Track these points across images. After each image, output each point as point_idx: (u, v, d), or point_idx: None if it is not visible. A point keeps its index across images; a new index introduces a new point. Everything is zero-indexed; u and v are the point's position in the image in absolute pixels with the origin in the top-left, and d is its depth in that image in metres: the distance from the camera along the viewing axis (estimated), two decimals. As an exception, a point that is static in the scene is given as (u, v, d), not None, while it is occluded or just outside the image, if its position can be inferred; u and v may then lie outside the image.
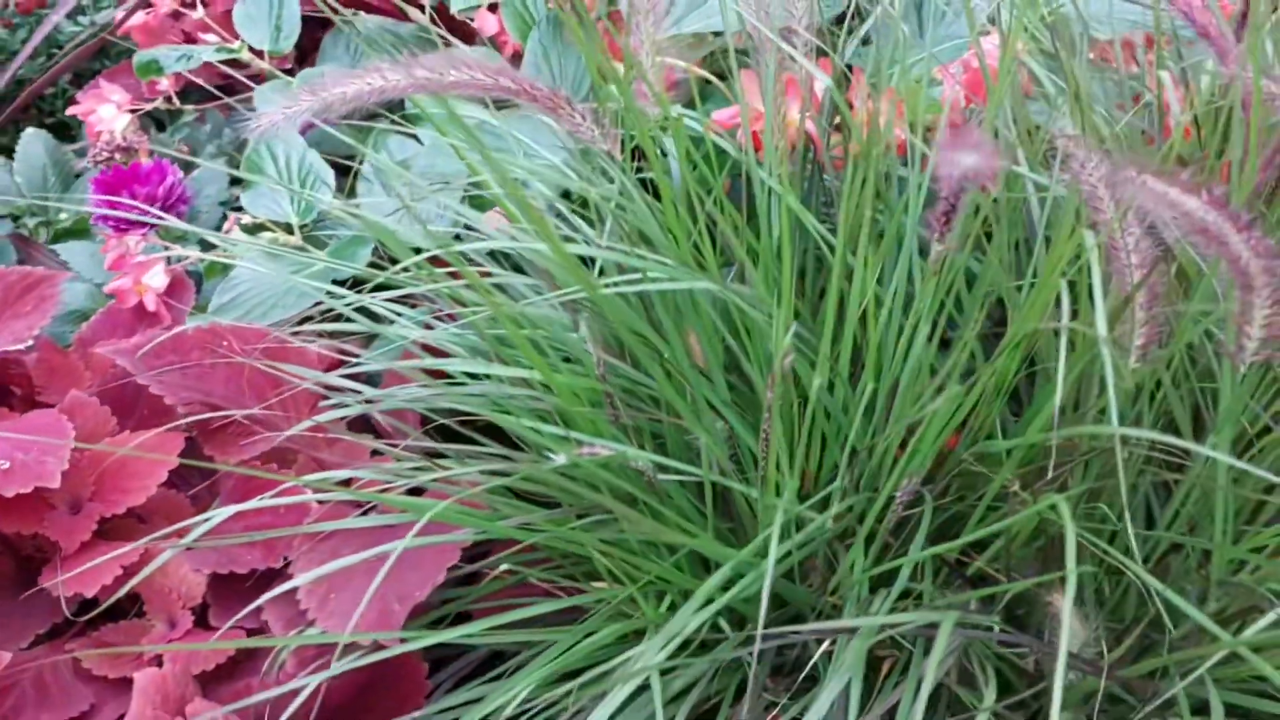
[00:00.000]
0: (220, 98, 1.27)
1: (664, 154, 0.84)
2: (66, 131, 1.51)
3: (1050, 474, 0.65)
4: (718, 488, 0.71)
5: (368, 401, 0.79)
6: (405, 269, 0.74)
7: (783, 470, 0.69)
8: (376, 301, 0.82)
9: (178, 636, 0.74)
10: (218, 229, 1.12)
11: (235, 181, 1.22)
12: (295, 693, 0.64)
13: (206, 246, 1.18)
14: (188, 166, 1.35)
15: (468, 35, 1.30)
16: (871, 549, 0.73)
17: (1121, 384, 0.59)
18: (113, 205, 0.94)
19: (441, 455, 0.79)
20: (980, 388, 0.69)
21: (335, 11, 1.32)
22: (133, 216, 0.93)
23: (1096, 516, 0.73)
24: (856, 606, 0.67)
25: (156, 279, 0.93)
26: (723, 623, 0.72)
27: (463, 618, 0.75)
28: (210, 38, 1.22)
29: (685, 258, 0.71)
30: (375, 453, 0.84)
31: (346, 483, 0.73)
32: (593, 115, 0.63)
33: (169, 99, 1.23)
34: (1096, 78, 0.90)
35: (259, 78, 1.23)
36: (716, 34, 1.07)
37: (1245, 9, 0.79)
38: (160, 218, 0.89)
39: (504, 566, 0.69)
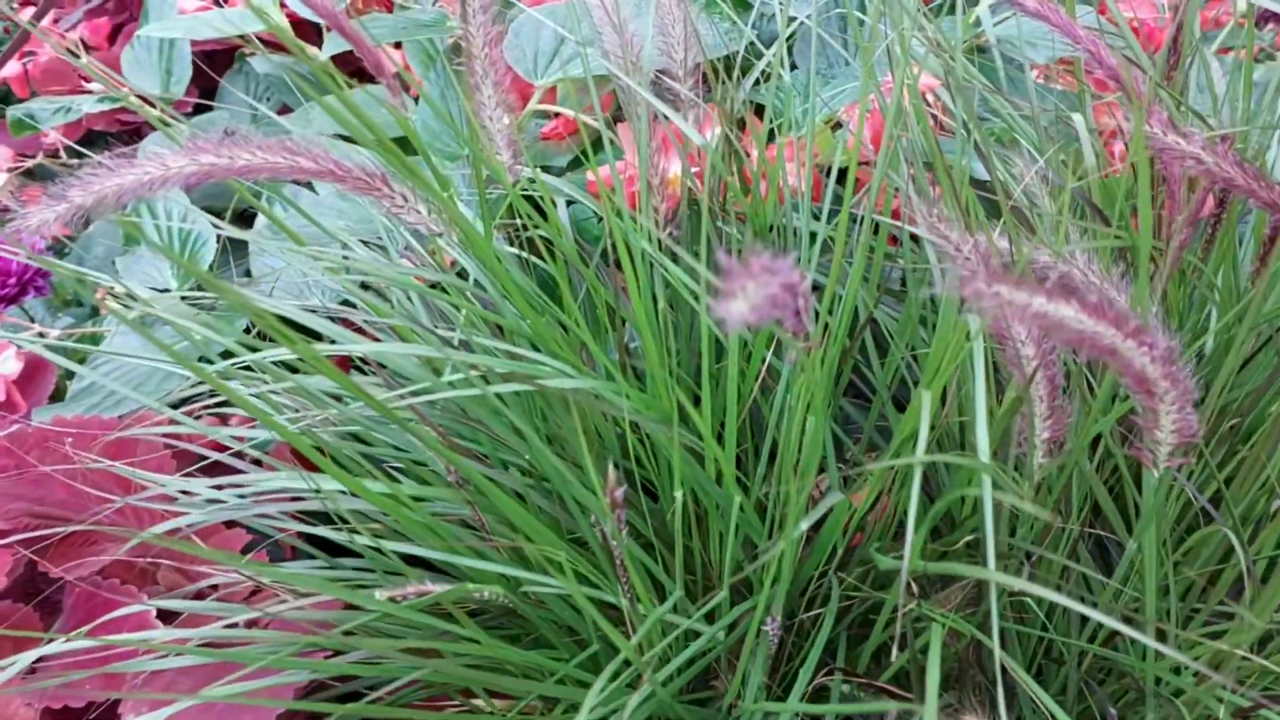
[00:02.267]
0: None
1: (543, 215, 0.76)
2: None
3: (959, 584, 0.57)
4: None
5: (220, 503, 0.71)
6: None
7: (671, 573, 0.61)
8: (235, 390, 0.74)
9: (2, 786, 0.66)
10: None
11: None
12: None
13: (95, 315, 1.11)
14: (88, 222, 1.28)
15: (379, 70, 1.22)
16: (782, 655, 0.66)
17: (1020, 494, 0.51)
18: (-38, 284, 0.87)
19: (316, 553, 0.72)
20: (879, 481, 0.61)
21: (232, 53, 1.25)
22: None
23: (1028, 615, 0.66)
24: (748, 733, 0.59)
25: (7, 365, 0.85)
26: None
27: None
28: (95, 86, 1.15)
29: (554, 349, 0.63)
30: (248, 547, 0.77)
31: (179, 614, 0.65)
32: (415, 194, 0.55)
33: (54, 154, 1.16)
34: (1034, 101, 0.83)
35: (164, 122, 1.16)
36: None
37: (1176, 35, 0.72)
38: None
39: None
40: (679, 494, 0.54)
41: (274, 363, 0.69)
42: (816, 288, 0.74)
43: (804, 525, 0.47)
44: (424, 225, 0.56)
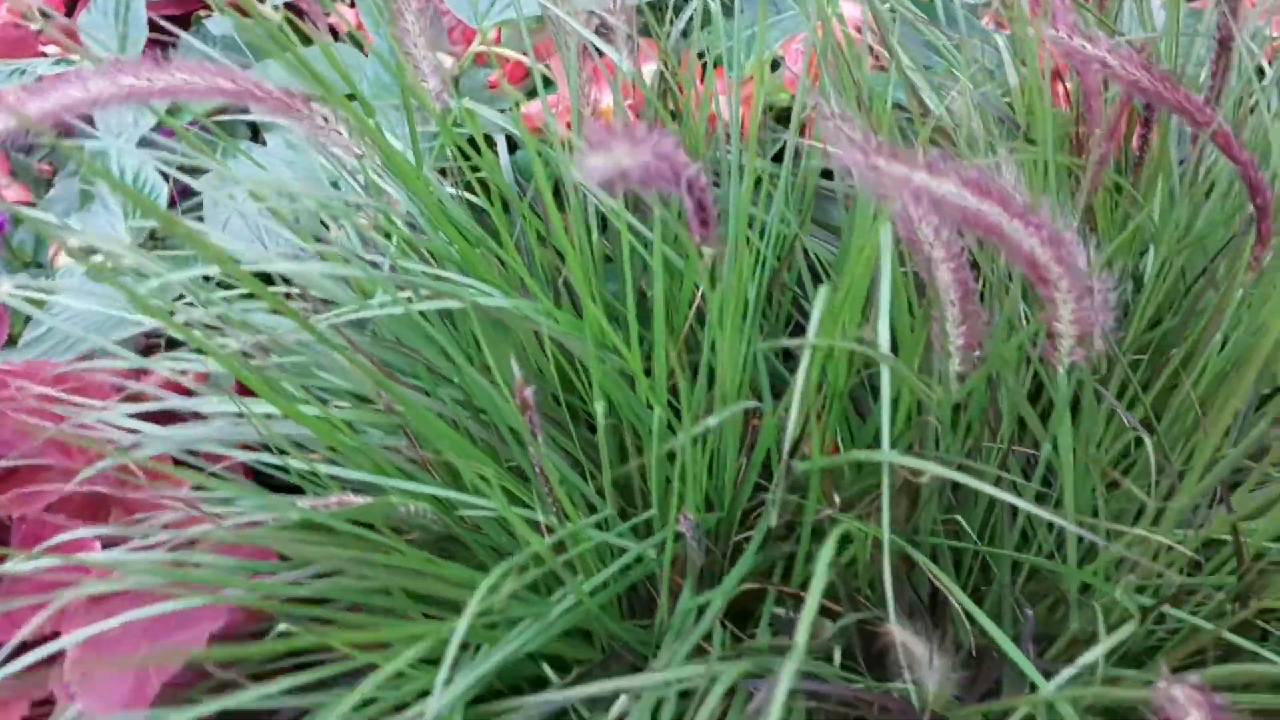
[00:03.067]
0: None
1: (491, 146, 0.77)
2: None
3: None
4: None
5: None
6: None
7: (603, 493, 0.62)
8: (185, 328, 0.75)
9: (-53, 715, 0.67)
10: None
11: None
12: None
13: (53, 275, 1.11)
14: (48, 185, 1.28)
15: (332, 30, 1.23)
16: (718, 574, 0.67)
17: (938, 398, 0.52)
18: (-87, 237, 0.87)
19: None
20: (809, 399, 0.62)
21: (189, 16, 1.25)
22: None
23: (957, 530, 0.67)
24: (675, 642, 0.60)
25: (-43, 315, 0.85)
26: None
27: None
28: (51, 49, 1.15)
29: (482, 274, 0.64)
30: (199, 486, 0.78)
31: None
32: (338, 116, 0.56)
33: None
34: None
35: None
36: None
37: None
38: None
39: (282, 627, 0.62)
40: (600, 405, 0.54)
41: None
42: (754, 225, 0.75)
43: (713, 420, 0.48)
44: (345, 147, 0.56)
